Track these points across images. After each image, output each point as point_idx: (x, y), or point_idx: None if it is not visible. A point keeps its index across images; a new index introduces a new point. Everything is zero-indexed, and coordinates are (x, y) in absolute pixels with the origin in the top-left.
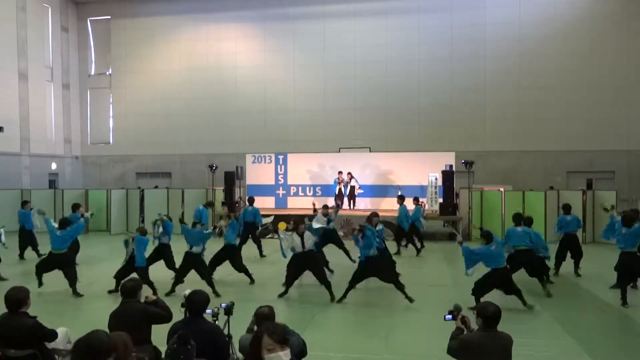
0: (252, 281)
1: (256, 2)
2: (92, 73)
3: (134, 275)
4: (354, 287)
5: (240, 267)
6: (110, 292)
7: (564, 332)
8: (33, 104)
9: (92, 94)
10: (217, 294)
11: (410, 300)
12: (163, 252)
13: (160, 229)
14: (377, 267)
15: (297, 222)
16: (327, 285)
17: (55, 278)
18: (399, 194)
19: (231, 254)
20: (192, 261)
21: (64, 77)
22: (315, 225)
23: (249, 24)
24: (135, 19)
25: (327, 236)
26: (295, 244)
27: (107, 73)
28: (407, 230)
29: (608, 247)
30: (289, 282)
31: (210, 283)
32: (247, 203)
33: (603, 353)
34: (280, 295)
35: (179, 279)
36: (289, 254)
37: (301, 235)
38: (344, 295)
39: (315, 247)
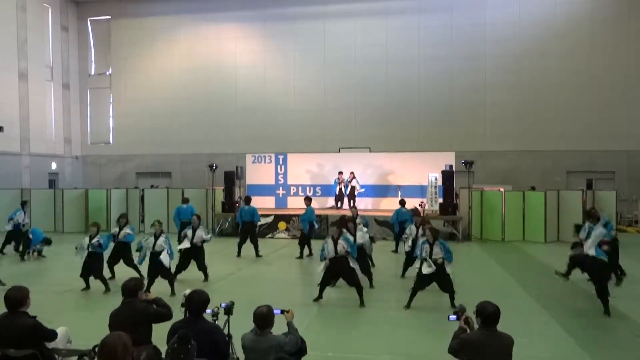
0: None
1: (256, 2)
2: (92, 73)
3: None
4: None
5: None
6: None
7: (564, 332)
8: (33, 104)
9: (92, 94)
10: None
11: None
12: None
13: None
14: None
15: (341, 225)
16: (359, 289)
17: (55, 278)
18: (399, 196)
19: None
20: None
21: (64, 77)
22: (360, 237)
23: (249, 24)
24: (135, 19)
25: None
26: (327, 249)
27: (107, 73)
28: (397, 231)
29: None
30: (321, 288)
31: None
32: (243, 202)
33: (603, 353)
34: (315, 300)
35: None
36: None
37: (335, 241)
38: (320, 295)
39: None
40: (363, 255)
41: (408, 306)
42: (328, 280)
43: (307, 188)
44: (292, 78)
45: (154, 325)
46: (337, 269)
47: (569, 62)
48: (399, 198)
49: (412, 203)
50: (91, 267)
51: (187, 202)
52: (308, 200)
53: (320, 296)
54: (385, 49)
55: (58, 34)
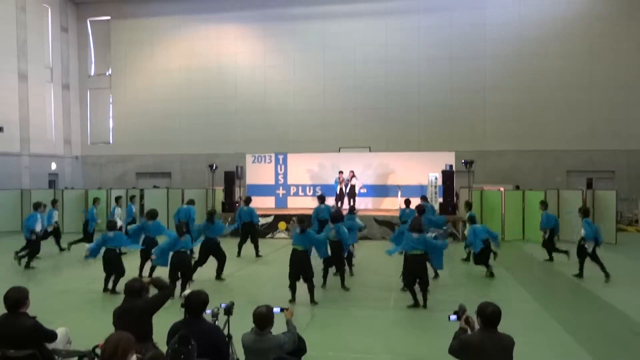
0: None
1: (256, 2)
2: (92, 73)
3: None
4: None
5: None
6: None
7: (564, 332)
8: (33, 105)
9: (92, 95)
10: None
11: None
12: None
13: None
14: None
15: (302, 220)
16: (310, 285)
17: (56, 278)
18: (399, 196)
19: None
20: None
21: (63, 77)
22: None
23: (249, 24)
24: (135, 19)
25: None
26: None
27: (107, 73)
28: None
29: (607, 246)
30: (291, 286)
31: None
32: (243, 203)
33: (603, 353)
34: (291, 300)
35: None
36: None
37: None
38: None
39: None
40: (338, 252)
41: (416, 304)
42: (296, 276)
43: (307, 188)
44: (292, 78)
45: (154, 327)
46: (296, 261)
47: (569, 62)
48: (399, 198)
49: (413, 203)
50: (111, 265)
51: (189, 204)
52: (320, 199)
53: (293, 297)
54: (385, 49)
55: (58, 35)
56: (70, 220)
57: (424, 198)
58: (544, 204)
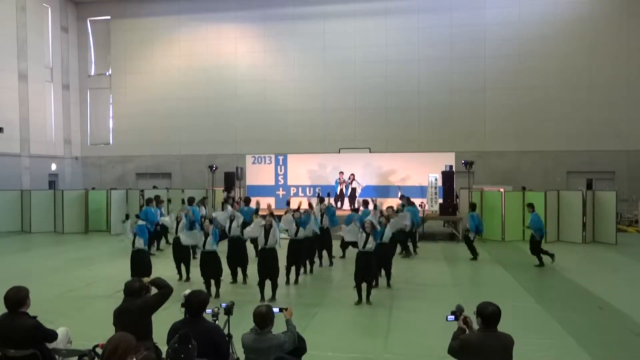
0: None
1: (256, 2)
2: (92, 73)
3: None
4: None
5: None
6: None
7: (564, 332)
8: (33, 105)
9: (92, 95)
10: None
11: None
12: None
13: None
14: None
15: (272, 215)
16: (274, 284)
17: (57, 278)
18: (400, 194)
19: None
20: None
21: (63, 77)
22: (282, 227)
23: (248, 24)
24: (135, 19)
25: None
26: (259, 238)
27: (107, 73)
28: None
29: (607, 247)
30: (260, 282)
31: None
32: (243, 203)
33: (603, 353)
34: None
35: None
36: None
37: (267, 230)
38: (262, 295)
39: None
40: (309, 245)
41: (359, 301)
42: (265, 276)
43: (307, 189)
44: (292, 78)
45: (154, 326)
46: (264, 259)
47: (569, 62)
48: (399, 199)
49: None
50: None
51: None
52: (320, 200)
53: (262, 296)
54: (385, 49)
55: (58, 35)
56: (71, 221)
57: (402, 197)
58: (471, 206)
